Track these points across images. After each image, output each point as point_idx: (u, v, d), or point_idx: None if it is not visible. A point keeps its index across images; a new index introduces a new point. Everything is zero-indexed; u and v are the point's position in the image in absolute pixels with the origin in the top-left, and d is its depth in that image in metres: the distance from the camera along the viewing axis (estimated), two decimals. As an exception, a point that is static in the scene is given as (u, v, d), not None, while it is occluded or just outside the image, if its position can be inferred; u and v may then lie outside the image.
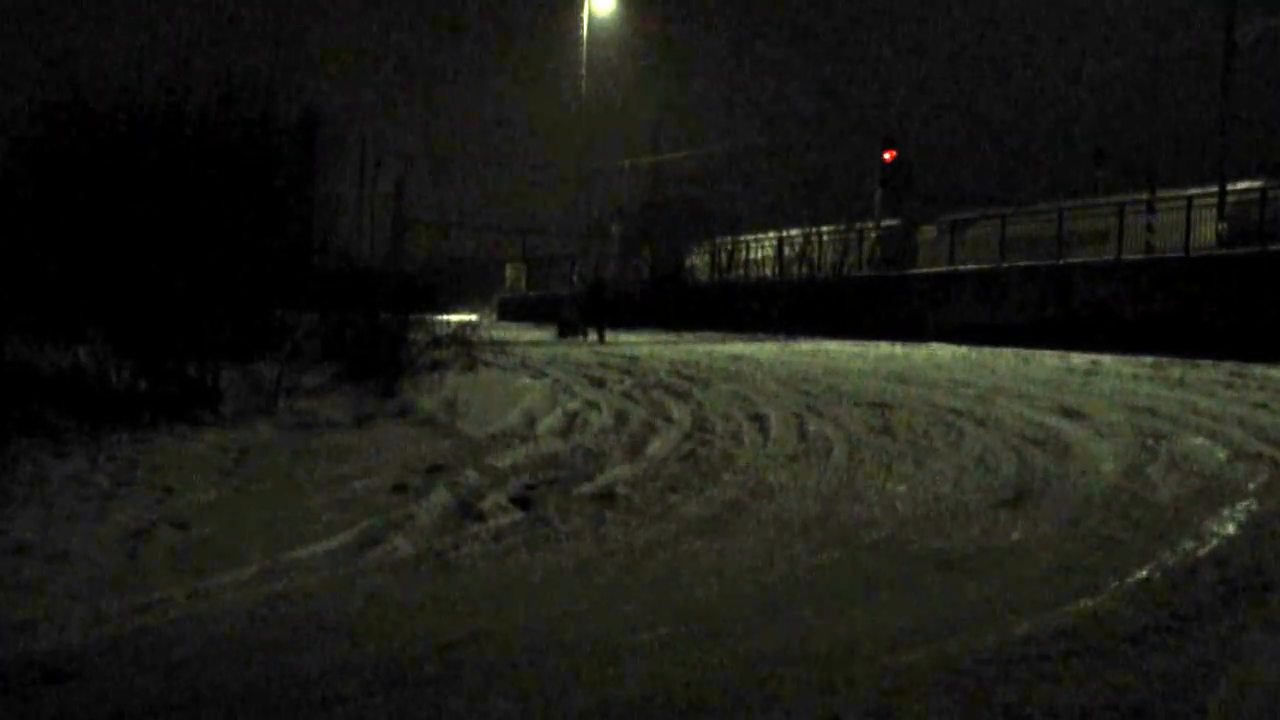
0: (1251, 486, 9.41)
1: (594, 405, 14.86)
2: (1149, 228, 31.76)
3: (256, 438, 11.33)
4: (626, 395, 16.22)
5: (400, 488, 9.11)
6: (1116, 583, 6.54)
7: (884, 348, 29.15)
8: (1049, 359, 23.83)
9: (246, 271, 12.82)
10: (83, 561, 6.77)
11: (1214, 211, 30.84)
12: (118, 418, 11.29)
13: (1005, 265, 34.21)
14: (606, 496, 8.96)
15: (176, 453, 10.31)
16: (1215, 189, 31.36)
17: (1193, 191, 31.68)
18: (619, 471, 10.12)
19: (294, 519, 7.97)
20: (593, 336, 36.12)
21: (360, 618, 5.88)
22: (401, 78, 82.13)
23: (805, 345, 30.69)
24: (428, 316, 17.20)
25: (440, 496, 8.77)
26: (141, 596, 6.11)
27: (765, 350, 25.49)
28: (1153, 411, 13.97)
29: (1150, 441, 11.61)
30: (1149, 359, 22.90)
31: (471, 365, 17.29)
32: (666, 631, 5.63)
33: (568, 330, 37.47)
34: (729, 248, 49.19)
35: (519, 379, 18.34)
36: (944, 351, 26.95)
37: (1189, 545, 7.45)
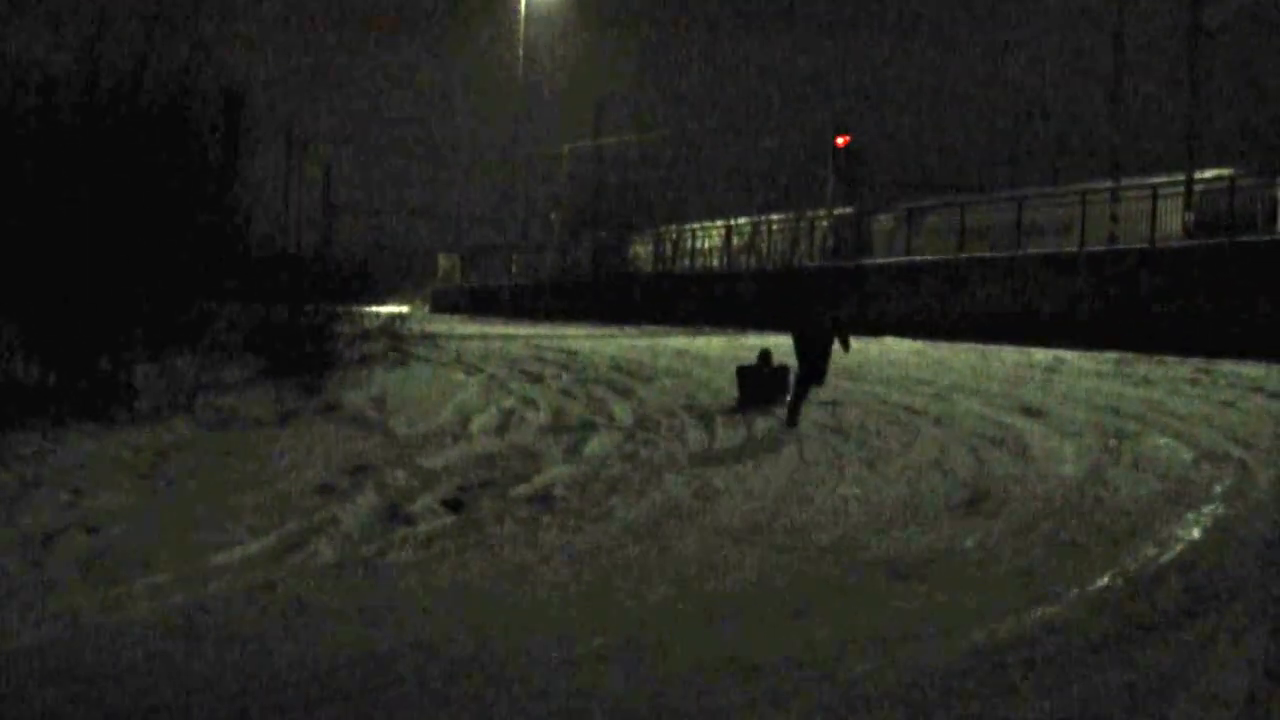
0: (1218, 489, 9.50)
1: (530, 402, 14.82)
2: (1113, 217, 31.93)
3: (174, 436, 11.23)
4: (565, 392, 16.20)
5: (325, 489, 9.05)
6: (1077, 590, 6.59)
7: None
8: (1009, 354, 23.97)
9: (164, 259, 12.67)
10: (-16, 569, 6.68)
11: (1180, 201, 31.03)
12: (25, 415, 11.15)
13: (964, 256, 34.35)
14: (544, 499, 8.95)
15: (88, 453, 10.19)
16: (1182, 177, 31.55)
17: (1158, 180, 31.87)
18: (557, 472, 10.10)
19: (212, 523, 7.89)
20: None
21: (280, 628, 5.83)
22: (329, 58, 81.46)
23: (753, 339, 30.69)
24: (357, 308, 17.12)
25: (367, 499, 8.72)
26: (48, 607, 6.03)
27: (711, 345, 25.49)
28: (1116, 410, 14.09)
29: (1113, 442, 11.71)
30: (1113, 355, 23.07)
31: (403, 360, 17.23)
32: (603, 642, 5.62)
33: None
34: (674, 237, 49.17)
35: (453, 374, 18.28)
36: (900, 346, 27.04)
37: (1152, 551, 7.51)
